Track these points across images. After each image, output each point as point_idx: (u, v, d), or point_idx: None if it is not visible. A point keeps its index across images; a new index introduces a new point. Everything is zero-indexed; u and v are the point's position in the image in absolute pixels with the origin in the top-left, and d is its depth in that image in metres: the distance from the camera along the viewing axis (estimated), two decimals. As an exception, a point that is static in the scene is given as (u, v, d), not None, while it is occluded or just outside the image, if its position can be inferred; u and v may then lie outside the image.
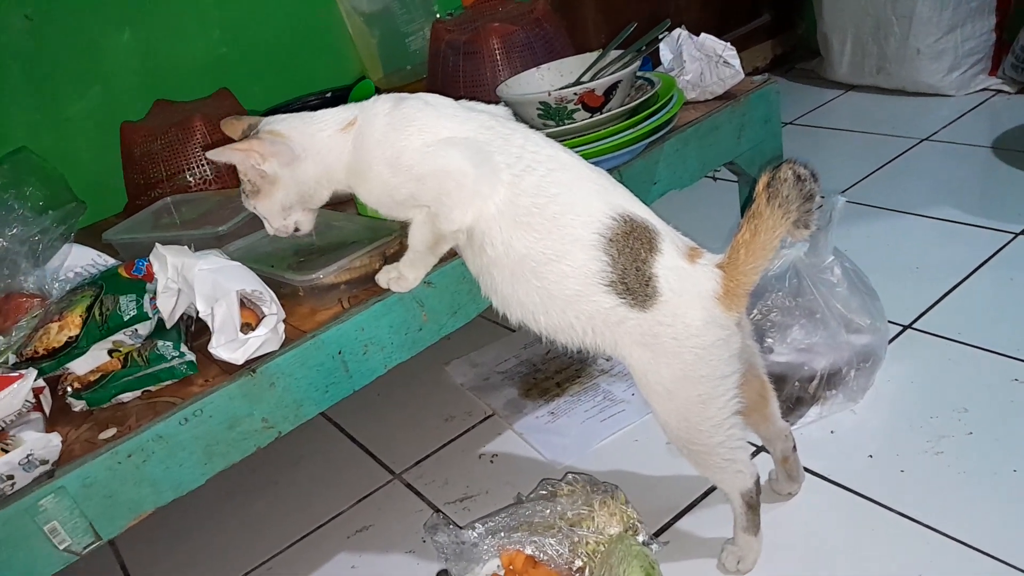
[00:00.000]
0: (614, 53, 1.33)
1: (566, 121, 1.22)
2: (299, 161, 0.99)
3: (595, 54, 1.36)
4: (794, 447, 1.15)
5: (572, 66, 1.37)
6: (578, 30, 2.33)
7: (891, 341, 1.41)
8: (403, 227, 1.14)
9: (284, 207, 1.02)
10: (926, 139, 2.18)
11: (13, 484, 0.85)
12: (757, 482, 1.03)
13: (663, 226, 0.96)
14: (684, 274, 0.93)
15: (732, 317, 0.93)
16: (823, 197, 0.98)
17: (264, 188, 1.00)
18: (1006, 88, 2.34)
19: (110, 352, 0.98)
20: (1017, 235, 1.66)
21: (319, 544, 1.30)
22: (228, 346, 0.94)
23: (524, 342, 1.68)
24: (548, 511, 1.10)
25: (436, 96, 1.02)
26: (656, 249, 0.93)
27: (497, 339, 1.71)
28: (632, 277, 0.91)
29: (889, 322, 1.39)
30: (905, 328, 1.46)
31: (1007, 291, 1.52)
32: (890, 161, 2.11)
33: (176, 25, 1.73)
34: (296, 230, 1.05)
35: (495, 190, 0.94)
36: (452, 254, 1.06)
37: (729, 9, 2.73)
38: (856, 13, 2.48)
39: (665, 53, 1.47)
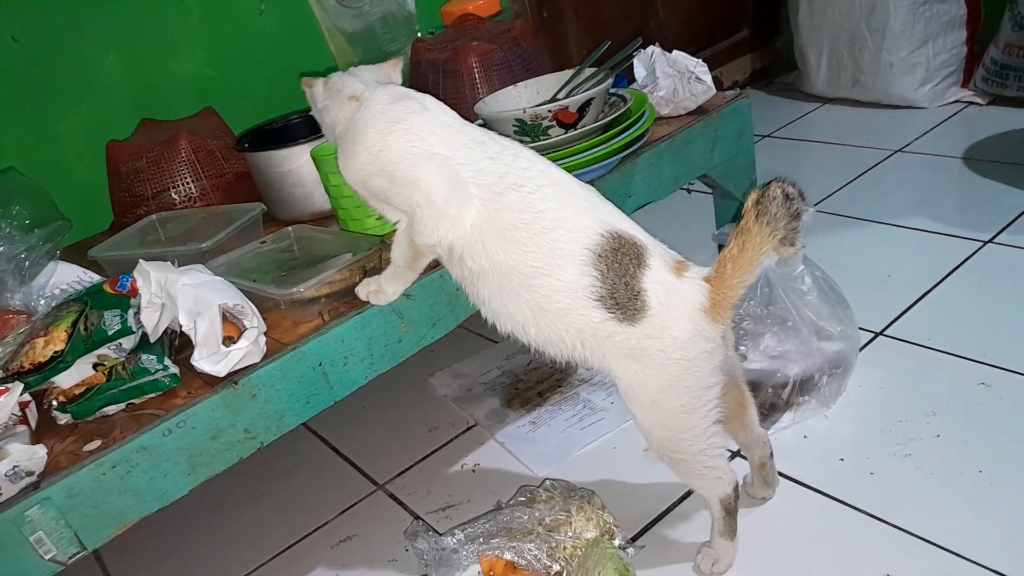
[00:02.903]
0: (588, 71, 1.37)
1: (541, 137, 1.26)
2: (322, 110, 1.08)
3: (571, 72, 1.40)
4: (771, 453, 1.17)
5: (548, 84, 1.41)
6: (561, 48, 2.37)
7: (863, 348, 1.45)
8: (382, 241, 1.18)
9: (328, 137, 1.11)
10: (899, 150, 2.23)
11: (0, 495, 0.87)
12: (736, 488, 1.06)
13: (651, 241, 0.98)
14: (672, 288, 0.95)
15: (718, 329, 0.96)
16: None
17: None
18: (977, 100, 2.40)
19: (95, 366, 1.01)
20: (986, 243, 1.70)
21: (303, 554, 1.32)
22: (210, 359, 0.97)
23: (507, 353, 1.71)
24: (526, 517, 1.13)
25: (437, 103, 1.04)
26: (644, 264, 0.95)
27: (480, 351, 1.74)
28: (621, 292, 0.93)
29: (861, 329, 1.42)
30: (877, 335, 1.50)
31: (975, 297, 1.56)
32: (864, 172, 2.16)
33: (163, 46, 1.75)
34: None
35: (464, 211, 0.96)
36: (432, 266, 1.09)
37: (709, 25, 2.78)
38: (831, 28, 2.54)
39: (639, 70, 1.51)
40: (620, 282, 0.93)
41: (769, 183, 0.92)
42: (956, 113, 2.38)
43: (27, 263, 1.18)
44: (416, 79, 1.64)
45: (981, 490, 1.13)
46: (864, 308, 1.43)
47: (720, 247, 1.60)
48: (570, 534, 1.10)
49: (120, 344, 1.01)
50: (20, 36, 1.61)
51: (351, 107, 1.03)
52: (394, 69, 1.13)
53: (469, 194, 0.96)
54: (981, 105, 2.38)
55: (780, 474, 1.22)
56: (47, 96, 1.65)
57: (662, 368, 0.95)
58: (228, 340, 0.98)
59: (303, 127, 1.49)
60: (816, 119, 2.61)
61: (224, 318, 0.99)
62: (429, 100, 1.03)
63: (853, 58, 2.52)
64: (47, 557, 0.90)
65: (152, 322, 1.03)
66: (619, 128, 1.27)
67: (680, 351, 0.94)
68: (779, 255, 0.95)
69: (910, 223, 1.86)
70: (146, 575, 1.36)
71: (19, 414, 0.96)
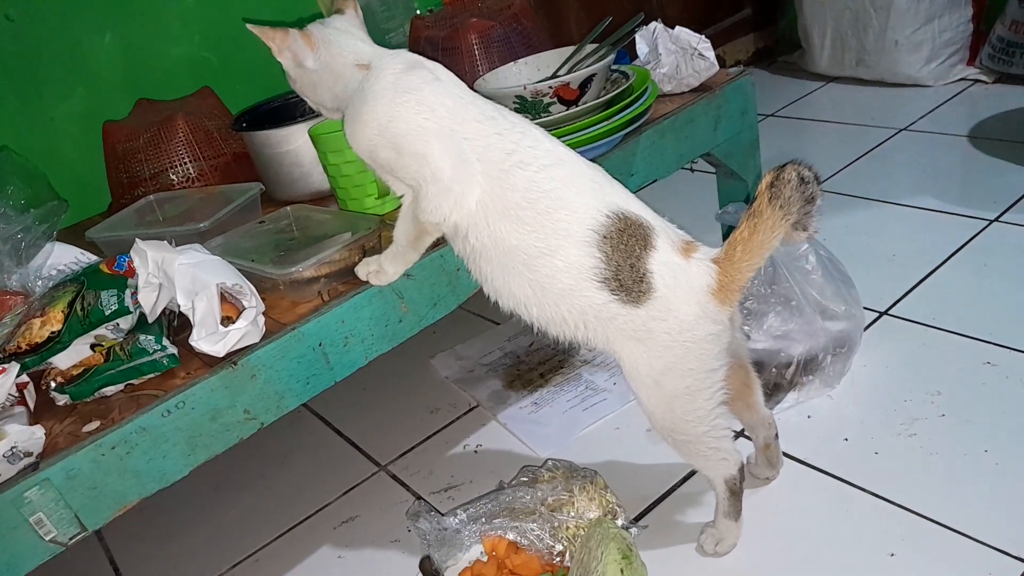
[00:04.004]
0: (590, 47, 1.35)
1: (542, 114, 1.24)
2: (313, 70, 1.01)
3: (572, 48, 1.38)
4: (776, 434, 1.17)
5: (549, 60, 1.39)
6: (561, 24, 2.35)
7: (867, 327, 1.43)
8: (382, 221, 1.16)
9: (304, 95, 1.06)
10: (904, 129, 2.21)
11: (-2, 476, 0.87)
12: (741, 469, 1.05)
13: (658, 221, 0.97)
14: (679, 270, 0.93)
15: (725, 312, 0.95)
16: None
17: (286, 68, 1.04)
18: (983, 78, 2.37)
19: (92, 346, 1.00)
20: (991, 222, 1.69)
21: (306, 535, 1.32)
22: (209, 339, 0.96)
23: (508, 335, 1.70)
24: (529, 497, 1.12)
25: (448, 73, 1.02)
26: (651, 245, 0.93)
27: (482, 332, 1.73)
28: (626, 274, 0.92)
29: (865, 309, 1.41)
30: (881, 314, 1.49)
31: (981, 277, 1.54)
32: (869, 151, 2.14)
33: (158, 26, 1.73)
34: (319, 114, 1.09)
35: (469, 189, 0.94)
36: (432, 246, 1.08)
37: (711, 3, 2.75)
38: (835, 6, 2.51)
39: (641, 46, 1.49)
40: (625, 264, 0.92)
41: (784, 165, 0.89)
42: (962, 91, 2.36)
43: (23, 244, 1.17)
44: (415, 57, 1.62)
45: (986, 469, 1.13)
46: (868, 287, 1.42)
47: (723, 226, 1.59)
48: (573, 514, 1.10)
49: (118, 324, 1.00)
50: (14, 15, 1.59)
51: (360, 75, 0.99)
52: (356, 9, 1.08)
53: (474, 172, 0.95)
54: (987, 83, 2.36)
55: (784, 454, 1.21)
56: (42, 77, 1.63)
57: (667, 350, 0.94)
58: (227, 320, 0.97)
59: (301, 106, 1.46)
60: (820, 98, 2.59)
61: (223, 298, 0.98)
62: (441, 70, 1.01)
63: (857, 36, 2.49)
64: (47, 538, 0.89)
65: (150, 302, 1.01)
66: (621, 105, 1.25)
67: (686, 333, 0.93)
68: (790, 240, 0.93)
69: (915, 202, 1.84)
70: (149, 558, 1.36)
71: (17, 395, 0.96)
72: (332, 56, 1.01)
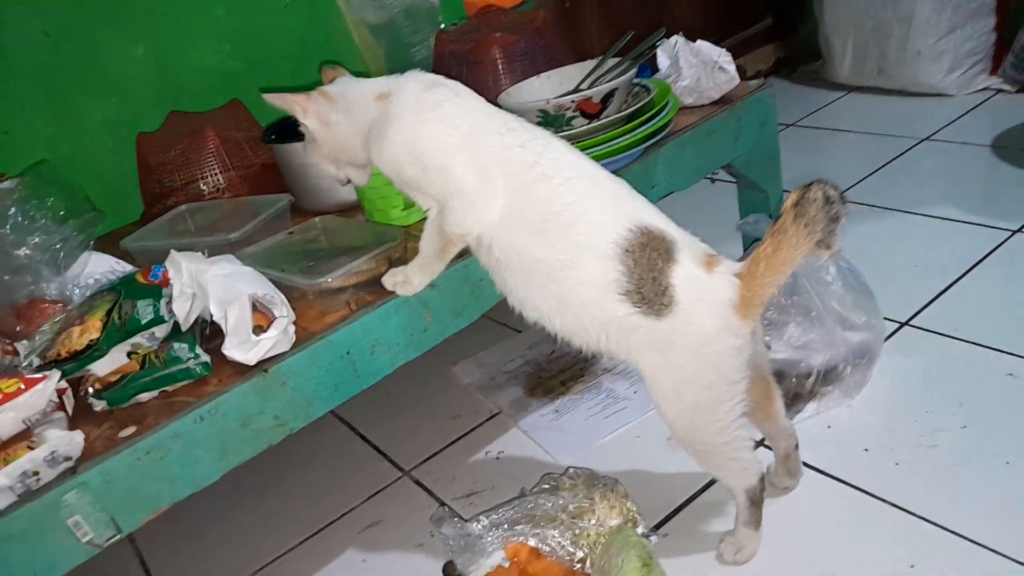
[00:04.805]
0: (611, 61, 1.37)
1: (565, 128, 1.26)
2: (338, 123, 1.05)
3: (594, 62, 1.40)
4: (796, 445, 1.17)
5: (571, 74, 1.41)
6: (581, 38, 2.37)
7: (888, 338, 1.44)
8: (407, 232, 1.19)
9: (330, 159, 1.09)
10: (926, 139, 2.21)
11: (38, 480, 0.90)
12: (762, 479, 1.06)
13: (681, 235, 0.98)
14: (701, 283, 0.94)
15: (747, 326, 0.95)
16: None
17: (309, 138, 1.07)
18: (1006, 87, 2.36)
19: (129, 354, 1.03)
20: (1015, 232, 1.68)
21: (330, 539, 1.34)
22: (241, 347, 0.98)
23: (529, 343, 1.72)
24: (550, 504, 1.14)
25: (467, 90, 1.04)
26: (673, 259, 0.94)
27: (503, 340, 1.75)
28: (648, 287, 0.93)
29: (886, 319, 1.41)
30: (902, 325, 1.49)
31: (1003, 288, 1.54)
32: (891, 161, 2.14)
33: (188, 39, 1.77)
34: (348, 181, 1.11)
35: (493, 201, 0.96)
36: (456, 257, 1.10)
37: (730, 14, 2.76)
38: (856, 15, 2.51)
39: (663, 60, 1.50)
40: (647, 277, 0.93)
41: (810, 184, 0.90)
42: (984, 101, 2.35)
43: (62, 253, 1.20)
44: (439, 71, 1.64)
45: (1008, 481, 1.13)
46: (889, 298, 1.42)
47: (744, 236, 1.60)
48: (594, 521, 1.11)
49: (153, 333, 1.03)
50: (51, 31, 1.63)
51: (382, 104, 1.02)
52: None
53: (497, 185, 0.97)
54: (1010, 92, 2.35)
55: (804, 464, 1.22)
56: (77, 90, 1.68)
57: (688, 362, 0.95)
58: (258, 329, 0.99)
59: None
60: (841, 108, 2.58)
61: (254, 307, 1.01)
62: (459, 87, 1.04)
63: (879, 46, 2.49)
64: (84, 540, 0.92)
65: (183, 311, 1.04)
66: (642, 118, 1.27)
67: (708, 346, 0.94)
68: (813, 256, 0.93)
69: (937, 212, 1.84)
70: (178, 557, 1.39)
71: (56, 401, 0.99)
72: (351, 101, 1.04)
